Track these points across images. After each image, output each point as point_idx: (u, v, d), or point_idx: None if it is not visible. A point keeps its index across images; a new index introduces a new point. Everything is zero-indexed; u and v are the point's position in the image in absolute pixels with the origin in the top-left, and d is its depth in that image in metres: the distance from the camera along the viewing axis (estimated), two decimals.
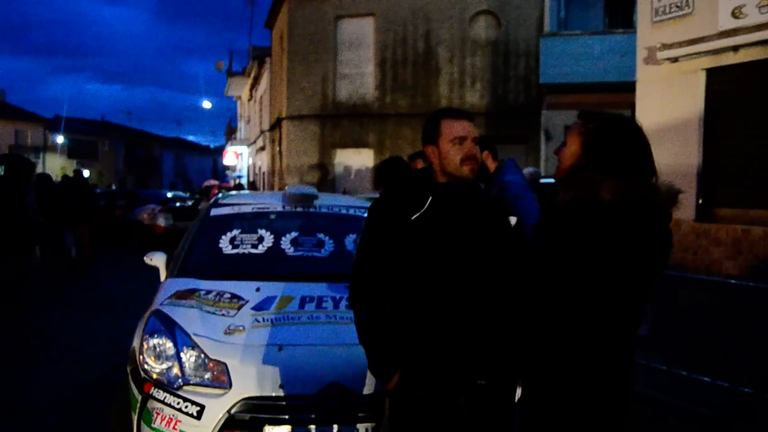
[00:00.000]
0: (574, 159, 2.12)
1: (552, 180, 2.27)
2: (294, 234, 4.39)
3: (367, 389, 3.02)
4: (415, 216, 2.36)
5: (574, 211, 2.02)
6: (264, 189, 24.19)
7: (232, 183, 29.26)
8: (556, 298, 2.02)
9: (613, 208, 1.98)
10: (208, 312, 3.42)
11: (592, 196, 2.01)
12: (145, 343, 3.30)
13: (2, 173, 6.03)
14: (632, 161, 2.07)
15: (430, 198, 2.38)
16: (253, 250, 4.24)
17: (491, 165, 2.88)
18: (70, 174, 14.84)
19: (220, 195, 5.55)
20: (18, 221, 5.94)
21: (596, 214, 1.98)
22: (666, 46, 7.67)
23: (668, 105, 7.85)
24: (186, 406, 3.03)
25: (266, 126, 24.76)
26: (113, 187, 37.58)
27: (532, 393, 2.12)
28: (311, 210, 4.63)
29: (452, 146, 2.37)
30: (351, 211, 4.67)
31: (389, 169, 4.25)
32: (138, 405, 3.18)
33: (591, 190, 2.01)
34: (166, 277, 4.19)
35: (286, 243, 4.32)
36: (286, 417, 2.98)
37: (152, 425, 3.08)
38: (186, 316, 3.37)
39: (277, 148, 20.94)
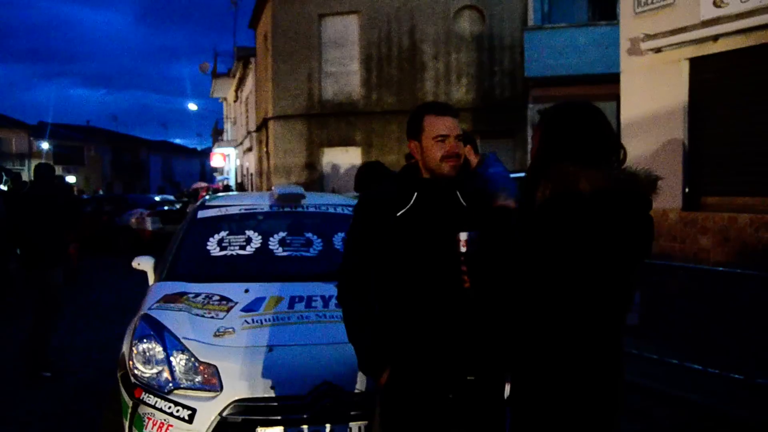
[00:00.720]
0: (537, 152, 2.14)
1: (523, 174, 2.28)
2: (282, 234, 4.37)
3: (359, 387, 3.02)
4: (400, 212, 2.35)
5: (555, 206, 2.02)
6: (252, 190, 24.10)
7: (220, 185, 29.14)
8: (543, 293, 2.01)
9: (594, 200, 1.98)
10: (197, 315, 3.40)
11: (571, 189, 2.00)
12: (134, 348, 3.27)
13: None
14: (591, 140, 2.07)
15: (416, 194, 2.38)
16: (242, 252, 4.22)
17: (473, 159, 2.87)
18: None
19: (207, 197, 5.51)
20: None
21: (578, 208, 1.98)
22: (649, 37, 7.70)
23: (653, 95, 7.88)
24: (177, 410, 3.00)
25: (253, 127, 24.67)
26: (100, 192, 37.32)
27: (522, 389, 2.11)
28: (299, 210, 4.61)
29: (434, 143, 2.36)
30: (339, 210, 4.66)
31: (369, 174, 4.27)
32: (129, 411, 3.15)
33: (569, 182, 2.01)
34: (155, 281, 4.16)
35: (274, 243, 4.30)
36: (279, 418, 2.96)
37: (144, 431, 3.05)
38: (175, 320, 3.35)
39: (264, 149, 20.87)
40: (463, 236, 2.20)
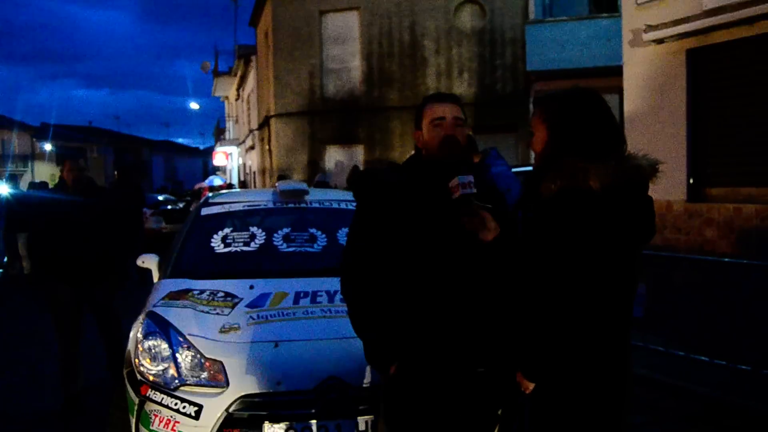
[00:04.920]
0: (544, 145, 2.15)
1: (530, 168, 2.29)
2: (286, 230, 4.37)
3: (366, 382, 3.01)
4: (403, 197, 2.34)
5: (565, 201, 2.01)
6: (255, 188, 24.09)
7: (224, 183, 29.13)
8: (555, 285, 2.01)
9: (605, 196, 1.98)
10: (203, 311, 3.40)
11: (581, 186, 2.00)
12: (140, 346, 3.27)
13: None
14: (599, 132, 2.07)
15: (417, 180, 2.37)
16: (246, 248, 4.21)
17: (474, 159, 2.84)
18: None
19: (210, 194, 5.51)
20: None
21: (589, 204, 1.98)
22: (651, 28, 7.66)
23: (655, 87, 7.85)
24: (184, 407, 3.00)
25: (255, 125, 24.67)
26: None
27: (540, 383, 2.11)
28: (302, 205, 4.60)
29: (432, 127, 2.38)
30: (342, 205, 4.65)
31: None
32: (135, 408, 3.16)
33: (580, 179, 2.00)
34: (159, 279, 4.16)
35: (278, 239, 4.30)
36: (286, 413, 2.96)
37: (150, 427, 3.05)
38: (180, 317, 3.35)
39: (267, 147, 20.87)
40: (454, 182, 2.16)
